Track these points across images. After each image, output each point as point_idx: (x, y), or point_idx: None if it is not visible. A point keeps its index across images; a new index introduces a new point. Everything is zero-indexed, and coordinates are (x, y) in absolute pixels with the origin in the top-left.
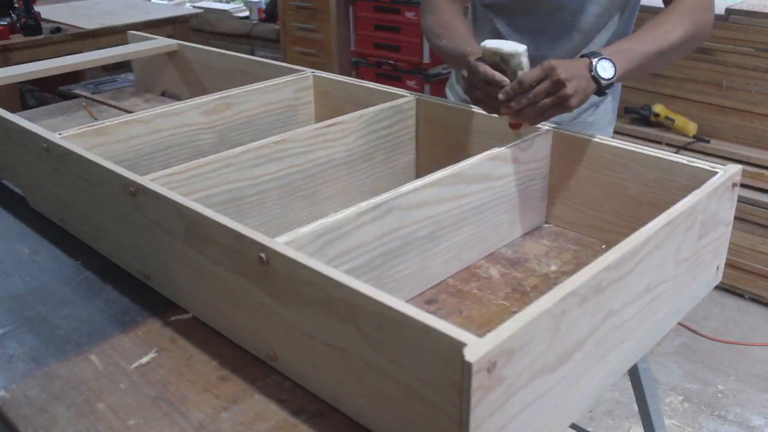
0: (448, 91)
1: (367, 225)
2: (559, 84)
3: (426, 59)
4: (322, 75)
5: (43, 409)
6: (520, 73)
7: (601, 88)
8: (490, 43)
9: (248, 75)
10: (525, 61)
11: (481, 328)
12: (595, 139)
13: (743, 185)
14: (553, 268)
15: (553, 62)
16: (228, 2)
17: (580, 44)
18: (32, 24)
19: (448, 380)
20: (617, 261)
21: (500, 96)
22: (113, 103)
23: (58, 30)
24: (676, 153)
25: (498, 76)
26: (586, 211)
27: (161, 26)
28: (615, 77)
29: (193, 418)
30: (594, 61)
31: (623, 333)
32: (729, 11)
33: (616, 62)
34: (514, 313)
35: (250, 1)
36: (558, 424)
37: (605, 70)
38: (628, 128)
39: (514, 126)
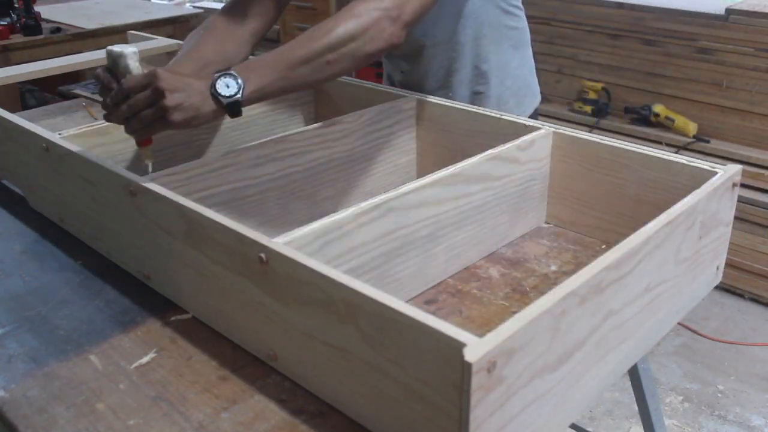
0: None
1: (367, 225)
2: (158, 94)
3: None
4: None
5: (43, 409)
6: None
7: (229, 108)
8: (114, 46)
9: None
10: (134, 64)
11: (481, 328)
12: (595, 139)
13: (743, 185)
14: (553, 268)
15: (159, 71)
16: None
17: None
18: (32, 24)
19: (448, 380)
20: (617, 261)
21: (106, 101)
22: None
23: (58, 30)
24: (676, 153)
25: (106, 78)
26: (586, 211)
27: (161, 26)
28: (243, 94)
29: (192, 418)
30: (215, 77)
31: (623, 333)
32: (729, 11)
33: (244, 79)
34: (514, 313)
35: None
36: (558, 424)
37: (227, 87)
38: (628, 128)
39: (140, 143)
